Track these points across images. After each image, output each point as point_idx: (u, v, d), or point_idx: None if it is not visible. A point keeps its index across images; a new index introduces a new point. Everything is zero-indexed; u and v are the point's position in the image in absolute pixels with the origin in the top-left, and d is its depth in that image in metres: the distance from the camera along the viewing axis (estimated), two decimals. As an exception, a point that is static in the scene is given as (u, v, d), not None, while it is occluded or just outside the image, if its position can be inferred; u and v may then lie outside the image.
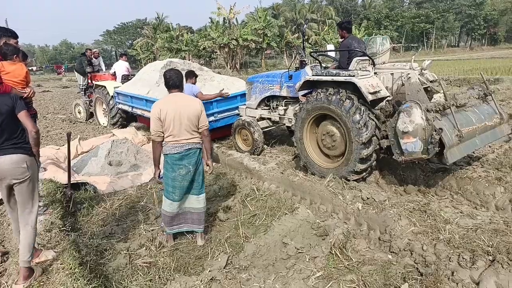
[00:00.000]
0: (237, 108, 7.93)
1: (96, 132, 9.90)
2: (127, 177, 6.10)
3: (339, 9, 65.72)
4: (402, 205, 4.30)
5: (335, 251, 3.53)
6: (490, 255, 3.17)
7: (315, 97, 5.23)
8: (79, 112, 12.35)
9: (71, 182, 5.13)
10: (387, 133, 4.66)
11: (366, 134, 4.73)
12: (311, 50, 6.91)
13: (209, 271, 3.37)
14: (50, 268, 3.26)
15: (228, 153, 6.85)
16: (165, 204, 3.91)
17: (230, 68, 38.61)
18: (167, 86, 3.85)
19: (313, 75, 5.47)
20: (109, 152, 6.86)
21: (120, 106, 9.89)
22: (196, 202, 3.94)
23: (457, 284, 2.95)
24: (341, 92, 4.94)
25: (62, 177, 5.48)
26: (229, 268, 3.44)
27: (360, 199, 4.50)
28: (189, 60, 41.90)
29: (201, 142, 3.89)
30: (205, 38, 39.99)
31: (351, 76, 4.89)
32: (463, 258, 3.16)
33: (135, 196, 5.39)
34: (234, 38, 37.29)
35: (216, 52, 40.79)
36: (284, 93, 6.61)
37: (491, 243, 3.35)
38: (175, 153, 3.71)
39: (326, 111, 5.15)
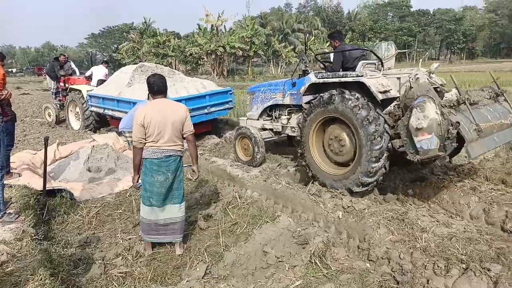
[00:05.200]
0: (206, 107, 8.37)
1: (76, 137, 9.71)
2: (105, 184, 5.98)
3: (325, 20, 66.68)
4: (381, 213, 4.33)
5: (314, 260, 3.51)
6: (464, 263, 3.21)
7: (324, 98, 4.95)
8: (49, 115, 12.31)
9: (47, 188, 4.99)
10: (399, 132, 4.31)
11: (379, 148, 4.44)
12: (316, 53, 6.78)
13: (187, 281, 3.32)
14: (20, 279, 3.14)
15: (211, 160, 6.81)
16: (143, 211, 3.84)
17: (216, 75, 38.63)
18: (151, 92, 3.79)
19: (318, 78, 5.28)
20: (88, 158, 6.72)
21: (92, 108, 9.98)
22: (178, 211, 3.88)
23: None
24: (355, 95, 4.65)
25: (37, 183, 5.32)
26: (208, 278, 3.39)
27: (340, 208, 4.52)
28: (175, 66, 41.93)
29: (182, 150, 3.84)
30: (192, 44, 39.97)
31: (359, 76, 4.71)
32: (438, 266, 3.19)
33: (113, 204, 5.27)
34: (222, 45, 37.40)
35: (203, 58, 40.77)
36: (287, 101, 6.36)
37: (465, 252, 3.42)
38: (155, 158, 3.66)
39: (337, 114, 4.85)
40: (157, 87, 3.72)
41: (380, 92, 4.51)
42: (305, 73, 6.09)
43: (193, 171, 3.97)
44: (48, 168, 6.10)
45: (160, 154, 3.66)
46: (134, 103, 6.92)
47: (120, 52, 46.78)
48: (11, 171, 5.74)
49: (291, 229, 4.13)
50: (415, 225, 3.99)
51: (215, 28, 39.36)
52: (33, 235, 3.91)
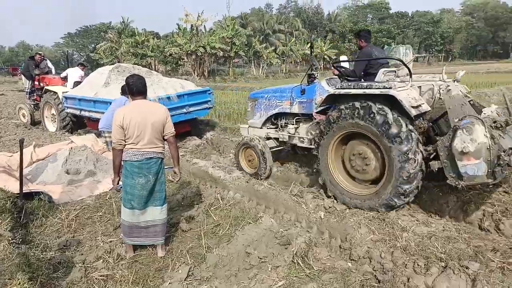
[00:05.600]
0: (185, 107, 8.39)
1: (53, 138, 9.47)
2: (85, 186, 5.86)
3: (306, 21, 67.27)
4: (362, 213, 4.40)
5: (297, 260, 3.55)
6: (443, 262, 3.30)
7: (346, 111, 4.50)
8: (23, 116, 11.98)
9: (24, 191, 4.86)
10: (439, 154, 3.89)
11: (413, 169, 4.06)
12: (333, 61, 6.30)
13: (169, 283, 3.30)
14: (-3, 284, 3.06)
15: (192, 162, 6.76)
16: (124, 214, 3.78)
17: (197, 76, 38.40)
18: (130, 93, 3.74)
19: (338, 88, 4.75)
20: (66, 160, 6.56)
21: (68, 110, 9.83)
22: (160, 214, 3.85)
23: None
24: (383, 110, 4.19)
25: (13, 186, 5.18)
26: (190, 280, 3.39)
27: (322, 208, 4.58)
28: (154, 66, 41.47)
29: (163, 152, 3.81)
30: (172, 45, 39.61)
31: (386, 88, 4.22)
32: (418, 264, 3.27)
33: (93, 206, 5.16)
34: (202, 45, 37.21)
35: (183, 59, 40.49)
36: (295, 109, 5.86)
37: (444, 250, 3.50)
38: (135, 161, 3.62)
39: (362, 130, 4.42)
40: (136, 88, 3.67)
41: (413, 107, 4.09)
42: (310, 78, 5.72)
43: (175, 173, 3.94)
44: (25, 171, 5.94)
45: (141, 157, 3.62)
46: (111, 103, 6.85)
47: (98, 52, 45.96)
48: None
49: (273, 229, 4.15)
50: (396, 225, 4.07)
51: (195, 28, 39.13)
52: (10, 238, 3.80)
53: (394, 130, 4.08)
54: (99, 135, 8.90)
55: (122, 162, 3.71)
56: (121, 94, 6.30)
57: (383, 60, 5.11)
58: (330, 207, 4.57)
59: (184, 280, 3.34)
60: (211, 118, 11.83)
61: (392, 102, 4.19)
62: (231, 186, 5.53)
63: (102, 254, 3.81)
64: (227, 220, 4.52)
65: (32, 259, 3.57)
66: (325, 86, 5.27)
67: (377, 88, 4.32)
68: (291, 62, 52.44)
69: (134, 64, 12.35)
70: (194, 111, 8.78)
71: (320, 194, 5.05)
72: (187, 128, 9.22)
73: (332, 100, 4.91)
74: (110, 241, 4.12)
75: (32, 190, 5.29)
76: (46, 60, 12.00)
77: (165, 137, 3.75)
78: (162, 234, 3.87)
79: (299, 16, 67.54)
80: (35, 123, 11.66)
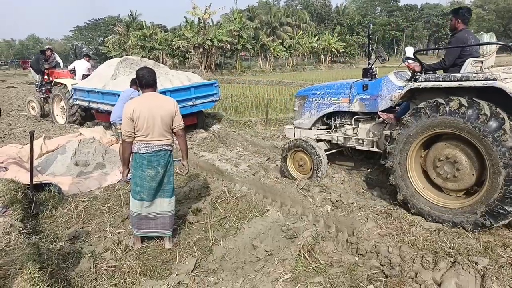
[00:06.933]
0: (191, 100, 8.42)
1: (63, 131, 9.57)
2: (94, 178, 5.92)
3: (314, 14, 66.78)
4: (370, 207, 4.37)
5: (303, 254, 3.55)
6: (452, 257, 3.27)
7: (438, 109, 3.84)
8: (33, 109, 12.17)
9: (34, 182, 4.92)
10: None
11: None
12: (414, 50, 4.75)
13: (176, 274, 3.31)
14: (8, 273, 3.11)
15: (200, 155, 6.79)
16: (132, 205, 3.82)
17: (204, 69, 38.38)
18: (140, 86, 3.78)
19: (422, 81, 4.13)
20: (75, 152, 6.64)
21: (77, 102, 9.93)
22: (168, 205, 3.88)
23: (420, 285, 3.02)
24: (484, 104, 3.61)
25: (24, 177, 5.26)
26: (197, 272, 3.40)
27: (329, 202, 4.55)
28: (162, 59, 41.50)
29: (172, 144, 3.82)
30: (179, 38, 39.58)
31: (489, 79, 3.60)
32: (426, 259, 3.24)
33: (102, 198, 5.22)
34: (209, 38, 37.13)
35: (191, 52, 40.46)
36: (355, 107, 5.23)
37: (452, 245, 3.48)
38: (145, 153, 3.64)
39: (454, 129, 3.77)
40: (145, 81, 3.70)
41: None
42: (367, 72, 5.11)
43: (183, 165, 3.97)
44: (35, 162, 6.02)
45: (150, 149, 3.65)
46: (119, 95, 6.88)
47: (106, 45, 46.13)
48: None
49: (280, 223, 4.15)
50: (404, 219, 4.05)
51: (202, 21, 39.03)
52: (21, 229, 3.87)
53: (494, 125, 3.51)
54: (107, 127, 9.00)
55: (131, 154, 3.74)
56: (130, 86, 6.32)
57: (475, 48, 4.35)
58: (336, 201, 4.55)
59: (191, 272, 3.36)
60: (218, 111, 11.84)
61: (496, 98, 3.64)
62: (237, 179, 5.54)
63: (111, 245, 3.84)
64: (233, 213, 4.54)
65: (42, 249, 3.61)
66: (394, 81, 4.75)
67: (477, 80, 3.67)
68: (298, 55, 52.11)
69: (142, 57, 12.36)
70: (200, 104, 8.81)
71: (326, 188, 5.01)
72: (194, 120, 9.26)
73: (410, 97, 4.41)
74: (118, 232, 4.16)
75: (42, 182, 5.36)
76: (54, 54, 12.10)
77: (174, 130, 3.77)
78: (170, 226, 3.90)
79: (306, 8, 66.98)
80: (44, 115, 11.81)
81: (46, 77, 11.58)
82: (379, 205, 4.47)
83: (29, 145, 4.91)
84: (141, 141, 3.63)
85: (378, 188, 5.18)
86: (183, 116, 7.47)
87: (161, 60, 41.14)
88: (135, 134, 3.62)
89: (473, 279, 2.97)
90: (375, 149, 5.06)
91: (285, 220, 4.25)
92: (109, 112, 7.33)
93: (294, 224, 4.10)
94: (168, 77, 8.86)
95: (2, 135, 9.28)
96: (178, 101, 7.57)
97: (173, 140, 3.83)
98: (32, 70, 12.43)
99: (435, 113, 3.87)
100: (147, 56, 34.54)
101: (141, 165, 3.68)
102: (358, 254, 3.58)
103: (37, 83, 12.02)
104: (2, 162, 5.95)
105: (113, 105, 7.07)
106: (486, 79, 3.63)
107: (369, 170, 5.86)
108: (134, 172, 3.74)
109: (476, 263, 3.08)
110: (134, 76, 4.24)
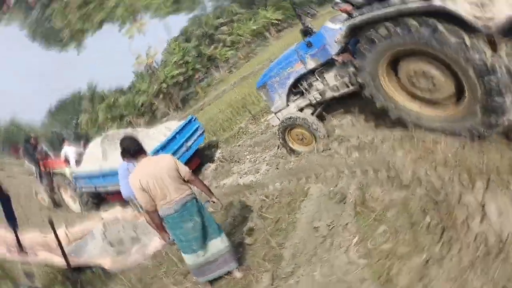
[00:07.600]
0: (183, 145, 8.35)
1: (81, 217, 9.34)
2: (135, 253, 5.80)
3: (242, 1, 65.77)
4: (390, 137, 4.32)
5: (360, 209, 3.57)
6: (485, 174, 3.14)
7: (403, 30, 3.70)
8: (43, 200, 11.81)
9: (73, 266, 4.85)
10: None
11: (496, 80, 3.34)
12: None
13: (259, 295, 3.28)
14: None
15: (221, 184, 6.79)
16: (188, 260, 3.84)
17: (173, 111, 38.29)
18: (130, 155, 3.79)
19: (360, 15, 4.03)
20: (105, 234, 6.54)
21: (84, 190, 9.80)
22: (221, 243, 3.87)
23: (467, 207, 2.96)
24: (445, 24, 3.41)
25: (58, 261, 5.14)
26: (277, 282, 3.42)
27: (352, 148, 4.51)
28: (133, 122, 41.41)
29: (193, 192, 3.81)
30: (138, 94, 39.57)
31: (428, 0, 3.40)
32: (463, 179, 3.17)
33: (153, 266, 5.09)
34: (162, 80, 37.08)
35: (154, 103, 40.44)
36: (311, 65, 5.35)
37: (481, 161, 3.34)
38: (173, 213, 3.64)
39: (422, 47, 3.69)
40: (133, 150, 3.73)
41: (477, 18, 3.21)
42: (306, 32, 5.25)
43: (214, 202, 3.97)
44: (66, 250, 5.96)
45: (176, 207, 3.62)
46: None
47: (82, 127, 45.91)
48: (24, 250, 5.58)
49: (325, 193, 4.11)
50: (426, 138, 3.96)
51: (148, 67, 38.99)
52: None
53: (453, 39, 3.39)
54: (123, 205, 9.02)
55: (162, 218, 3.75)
56: (123, 160, 6.34)
57: None
58: (358, 144, 4.47)
59: (271, 285, 3.38)
60: (210, 139, 11.87)
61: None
62: (266, 181, 5.47)
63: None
64: (282, 211, 4.49)
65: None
66: (333, 26, 4.80)
67: (413, 2, 3.52)
68: (243, 46, 51.78)
69: (119, 129, 12.39)
70: (193, 144, 8.80)
71: (343, 137, 4.88)
72: (197, 161, 9.24)
73: (352, 34, 4.42)
74: (186, 287, 4.14)
75: (81, 265, 5.25)
76: (40, 143, 11.91)
77: (186, 179, 3.75)
78: (232, 259, 3.90)
79: (234, 1, 66.32)
80: (57, 204, 11.41)
81: (42, 168, 11.17)
82: (397, 130, 4.35)
83: (52, 234, 4.83)
84: (163, 205, 3.61)
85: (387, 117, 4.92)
86: (186, 162, 7.58)
87: (134, 124, 41.13)
88: (154, 202, 3.61)
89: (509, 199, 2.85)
90: (352, 88, 5.04)
91: (327, 187, 4.20)
92: (118, 192, 7.37)
93: (337, 187, 4.07)
94: (151, 136, 8.86)
95: (20, 222, 9.02)
96: (173, 153, 7.75)
97: (191, 188, 3.81)
98: (26, 161, 12.17)
99: (389, 36, 3.85)
100: (121, 125, 34.48)
101: (176, 224, 3.69)
102: (404, 185, 3.56)
103: (35, 175, 11.56)
104: (30, 249, 5.86)
105: (118, 184, 7.15)
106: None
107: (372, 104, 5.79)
108: (174, 232, 3.74)
109: (508, 182, 2.97)
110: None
